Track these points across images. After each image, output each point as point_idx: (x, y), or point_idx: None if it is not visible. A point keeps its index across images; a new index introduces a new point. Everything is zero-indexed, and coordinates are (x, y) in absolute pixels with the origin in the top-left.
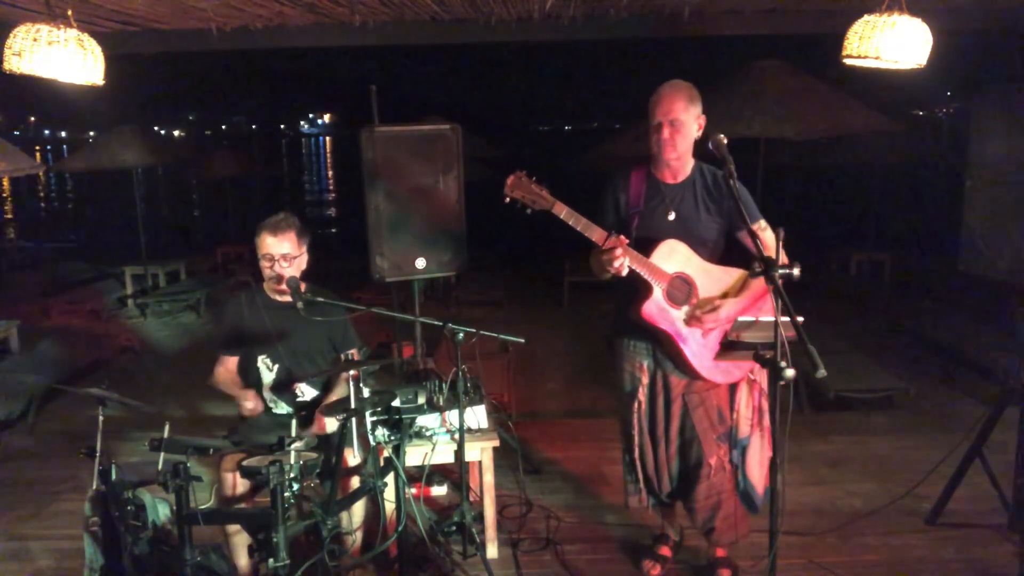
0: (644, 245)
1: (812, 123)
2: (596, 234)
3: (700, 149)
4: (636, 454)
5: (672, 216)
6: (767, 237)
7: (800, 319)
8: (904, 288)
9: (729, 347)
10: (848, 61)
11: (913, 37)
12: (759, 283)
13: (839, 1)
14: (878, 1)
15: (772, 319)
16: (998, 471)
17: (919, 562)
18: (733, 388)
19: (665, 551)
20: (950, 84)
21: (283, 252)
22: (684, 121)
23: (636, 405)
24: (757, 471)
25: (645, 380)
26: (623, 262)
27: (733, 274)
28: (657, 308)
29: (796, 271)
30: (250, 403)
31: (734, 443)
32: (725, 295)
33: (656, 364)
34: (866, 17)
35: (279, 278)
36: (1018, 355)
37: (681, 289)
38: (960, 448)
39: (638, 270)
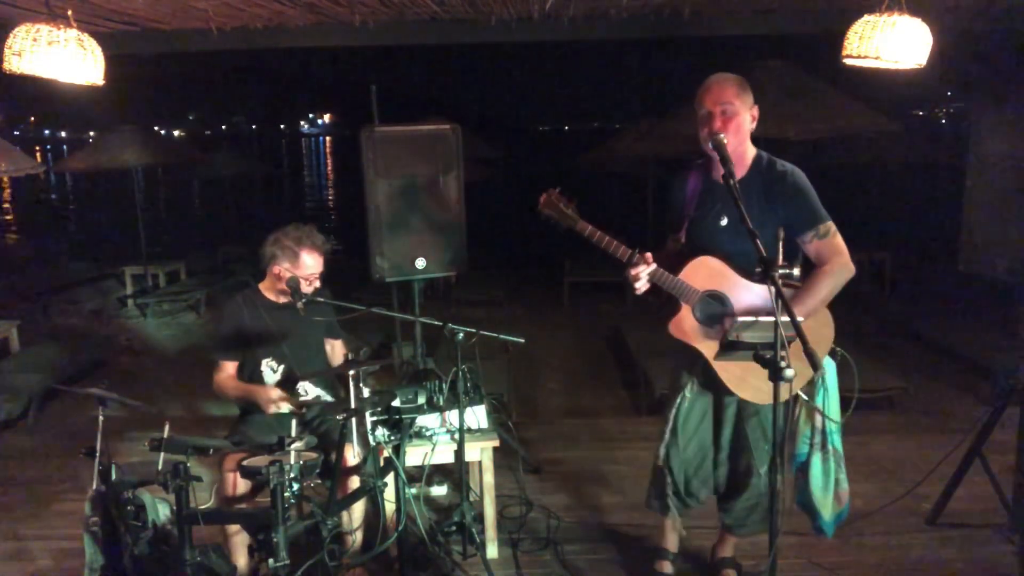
0: (692, 254)
1: (812, 123)
2: (620, 251)
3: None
4: (662, 455)
5: (724, 221)
6: (828, 245)
7: (800, 319)
8: (904, 288)
9: (729, 347)
10: (848, 61)
11: (913, 37)
12: (797, 299)
13: (839, 1)
14: (878, 1)
15: (772, 319)
16: (998, 471)
17: (919, 562)
18: (790, 405)
19: (666, 566)
20: (950, 84)
21: (321, 269)
22: (737, 109)
23: (678, 401)
24: (822, 494)
25: (699, 378)
26: (641, 284)
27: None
28: (688, 326)
29: (796, 271)
30: (275, 395)
31: (790, 458)
32: (770, 313)
33: (709, 368)
34: (866, 17)
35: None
36: (1018, 355)
37: (714, 308)
38: (960, 448)
39: (665, 287)
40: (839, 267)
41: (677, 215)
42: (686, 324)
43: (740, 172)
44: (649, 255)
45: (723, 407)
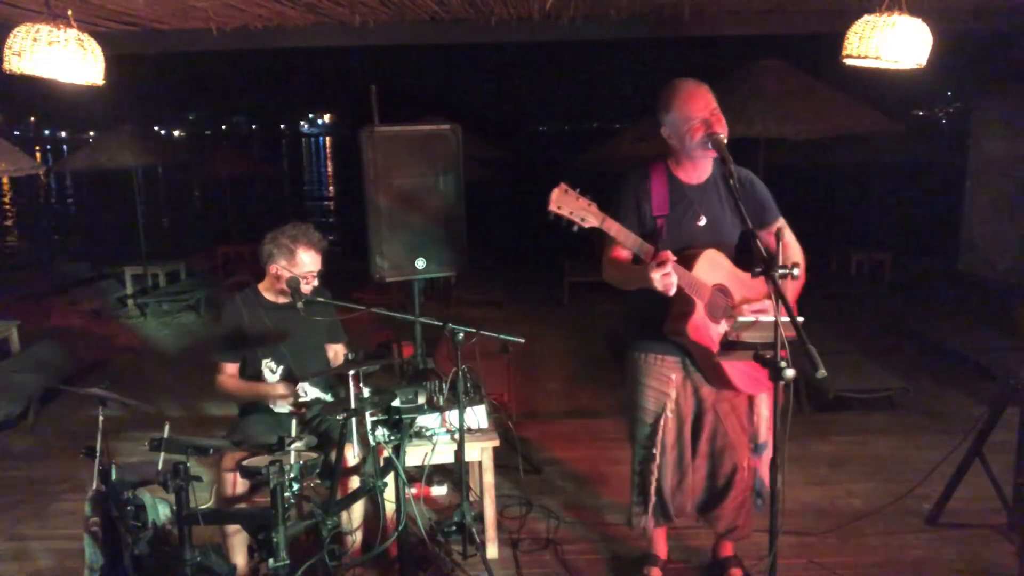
0: (674, 254)
1: (812, 123)
2: (646, 250)
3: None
4: (655, 476)
5: (703, 221)
6: (788, 236)
7: (800, 319)
8: (904, 288)
9: (729, 347)
10: (848, 61)
11: (913, 37)
12: (786, 288)
13: (839, 1)
14: (878, 1)
15: (772, 319)
16: (998, 471)
17: (919, 562)
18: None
19: (655, 573)
20: (950, 84)
21: (319, 267)
22: (720, 113)
23: (663, 423)
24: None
25: (673, 395)
26: (673, 281)
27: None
28: (705, 325)
29: (796, 271)
30: (281, 390)
31: (755, 446)
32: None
33: (687, 376)
34: (866, 17)
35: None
36: (1019, 355)
37: (720, 302)
38: (960, 448)
39: (682, 286)
40: (799, 248)
41: (648, 220)
42: (702, 323)
43: (706, 175)
44: (670, 252)
45: (703, 414)
